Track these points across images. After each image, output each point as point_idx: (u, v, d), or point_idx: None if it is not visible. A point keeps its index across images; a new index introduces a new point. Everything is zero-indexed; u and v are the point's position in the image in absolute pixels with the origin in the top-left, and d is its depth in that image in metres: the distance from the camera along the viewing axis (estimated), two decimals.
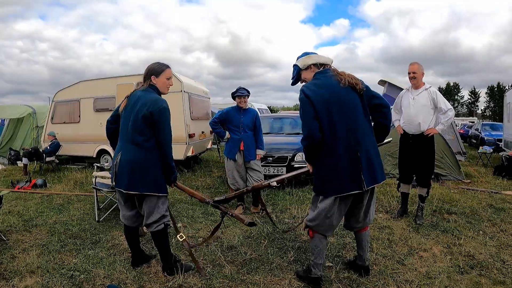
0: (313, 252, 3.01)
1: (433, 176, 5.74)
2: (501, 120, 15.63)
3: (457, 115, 63.83)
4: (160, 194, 3.07)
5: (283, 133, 8.80)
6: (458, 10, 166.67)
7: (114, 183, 3.12)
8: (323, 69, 2.95)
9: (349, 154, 2.74)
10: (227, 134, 5.37)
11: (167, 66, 3.19)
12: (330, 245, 3.89)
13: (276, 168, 6.79)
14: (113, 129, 3.30)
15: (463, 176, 7.84)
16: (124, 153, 3.04)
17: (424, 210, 4.91)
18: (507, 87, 64.92)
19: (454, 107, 41.86)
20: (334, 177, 2.75)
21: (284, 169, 6.75)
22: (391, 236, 4.16)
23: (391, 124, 4.75)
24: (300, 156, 6.87)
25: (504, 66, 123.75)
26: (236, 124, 5.25)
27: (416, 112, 4.60)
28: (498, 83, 76.83)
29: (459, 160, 8.68)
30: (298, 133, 8.74)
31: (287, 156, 6.84)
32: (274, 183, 3.28)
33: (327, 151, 2.77)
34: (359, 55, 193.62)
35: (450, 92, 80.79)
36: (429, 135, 4.59)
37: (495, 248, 3.88)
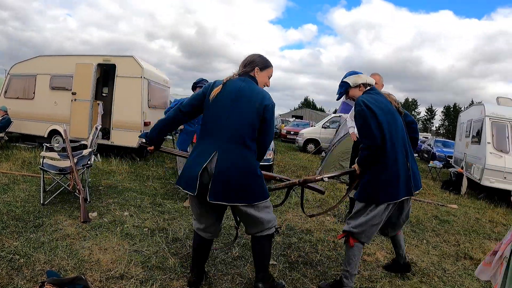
0: (350, 262, 2.93)
1: None
2: (454, 138, 16.36)
3: None
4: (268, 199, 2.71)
5: None
6: (424, 31, 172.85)
7: (197, 192, 2.51)
8: (371, 88, 3.13)
9: (404, 163, 2.92)
10: (181, 125, 5.26)
11: (272, 65, 2.89)
12: (276, 244, 3.93)
13: None
14: (183, 121, 2.90)
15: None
16: (228, 157, 2.52)
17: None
18: (462, 108, 68.12)
19: None
20: (392, 184, 2.85)
21: None
22: (336, 239, 4.25)
23: (347, 132, 4.84)
24: None
25: (462, 88, 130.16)
26: None
27: None
28: (455, 104, 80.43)
29: None
30: None
31: None
32: (326, 178, 3.26)
33: (388, 159, 2.85)
34: (323, 62, 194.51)
35: (408, 107, 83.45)
36: None
37: (437, 257, 4.06)
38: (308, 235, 4.32)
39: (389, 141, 2.84)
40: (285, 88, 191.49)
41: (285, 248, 3.87)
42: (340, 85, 3.24)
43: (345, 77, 3.22)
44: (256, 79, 2.75)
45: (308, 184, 3.23)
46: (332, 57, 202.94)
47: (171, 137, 11.45)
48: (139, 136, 4.48)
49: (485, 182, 8.05)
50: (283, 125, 27.92)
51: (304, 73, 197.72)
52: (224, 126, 2.55)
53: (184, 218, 4.58)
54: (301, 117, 53.09)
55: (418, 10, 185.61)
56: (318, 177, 3.28)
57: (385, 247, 4.17)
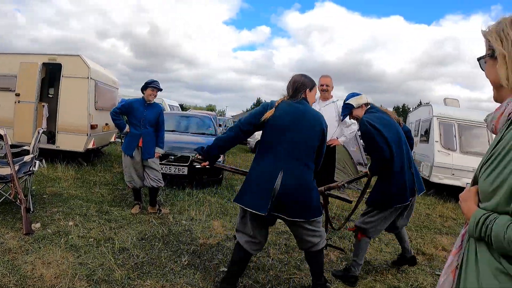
0: (357, 254, 3.37)
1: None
2: None
3: None
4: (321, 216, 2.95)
5: (188, 132, 8.63)
6: (375, 34, 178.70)
7: (266, 209, 2.62)
8: (371, 106, 3.48)
9: (409, 171, 3.31)
10: (127, 128, 5.05)
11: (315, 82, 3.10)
12: (226, 249, 3.91)
13: (177, 167, 6.62)
14: (243, 139, 3.07)
15: (363, 186, 8.34)
16: (292, 175, 2.69)
17: (322, 217, 5.12)
18: (411, 109, 70.92)
19: None
20: (400, 190, 3.22)
21: (186, 169, 6.60)
22: (288, 242, 4.27)
23: None
24: None
25: (411, 90, 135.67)
26: (138, 118, 4.93)
27: None
28: (404, 105, 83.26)
29: (360, 171, 9.26)
30: (203, 133, 8.68)
31: (189, 156, 6.63)
32: (346, 184, 3.59)
33: (395, 169, 3.19)
34: (275, 63, 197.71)
35: None
36: (331, 145, 4.81)
37: (390, 254, 4.17)
38: None
39: (395, 152, 3.16)
40: (238, 89, 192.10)
41: None
42: (343, 107, 3.57)
43: (347, 99, 3.54)
44: (308, 100, 2.93)
45: (331, 193, 3.67)
46: (284, 59, 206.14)
47: (120, 140, 11.12)
48: (194, 150, 4.37)
49: (434, 179, 8.39)
50: None
51: (256, 74, 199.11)
52: (289, 147, 2.72)
53: (131, 226, 4.42)
54: None
55: (370, 15, 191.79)
56: (340, 183, 3.67)
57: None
